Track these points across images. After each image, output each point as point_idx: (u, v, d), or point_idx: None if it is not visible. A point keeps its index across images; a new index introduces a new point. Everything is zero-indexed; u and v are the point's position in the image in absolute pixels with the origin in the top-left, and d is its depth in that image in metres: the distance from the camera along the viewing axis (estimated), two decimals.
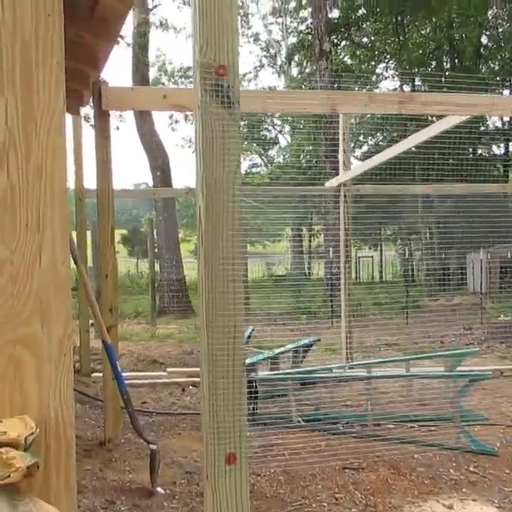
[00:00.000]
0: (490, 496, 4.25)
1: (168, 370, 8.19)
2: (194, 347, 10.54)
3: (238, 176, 1.77)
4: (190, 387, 7.54)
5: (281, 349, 6.93)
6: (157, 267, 17.51)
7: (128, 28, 18.62)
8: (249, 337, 7.66)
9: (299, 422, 5.77)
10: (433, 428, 5.60)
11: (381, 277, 28.41)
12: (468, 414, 5.57)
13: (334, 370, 6.19)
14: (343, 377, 6.06)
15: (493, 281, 18.07)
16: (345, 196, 8.24)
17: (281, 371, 6.27)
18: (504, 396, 6.93)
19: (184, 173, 46.33)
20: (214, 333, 1.73)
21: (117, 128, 27.23)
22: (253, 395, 5.71)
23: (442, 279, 21.46)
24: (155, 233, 17.44)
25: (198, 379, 7.52)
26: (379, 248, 31.89)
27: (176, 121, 35.93)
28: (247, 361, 6.06)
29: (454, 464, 4.83)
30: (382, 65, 27.99)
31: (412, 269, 24.21)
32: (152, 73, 27.38)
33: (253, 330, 8.14)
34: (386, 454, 4.96)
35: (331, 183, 8.69)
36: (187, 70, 30.99)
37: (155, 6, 21.79)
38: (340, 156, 8.09)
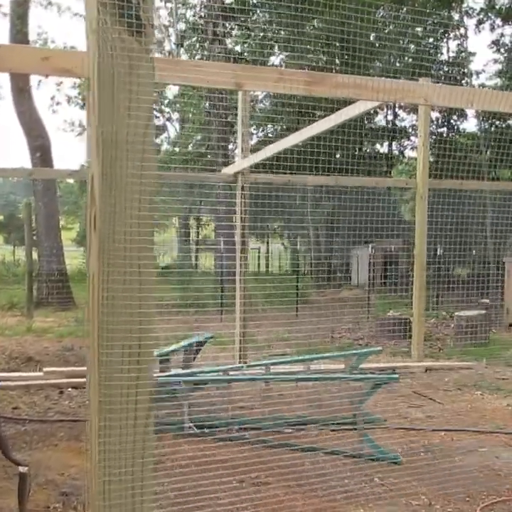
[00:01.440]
0: (398, 511, 3.97)
1: (45, 369, 7.40)
2: (75, 342, 9.75)
3: (151, 132, 1.25)
4: (70, 389, 6.81)
5: (173, 347, 6.38)
6: (35, 256, 16.32)
7: None
8: None
9: (190, 428, 5.28)
10: (334, 433, 5.31)
11: (267, 270, 28.48)
12: (367, 417, 5.32)
13: (230, 373, 5.74)
14: (242, 378, 5.62)
15: (377, 275, 18.42)
16: (243, 186, 7.81)
17: (173, 372, 5.73)
18: (400, 395, 6.81)
19: (67, 157, 44.15)
20: (109, 348, 1.21)
21: None
22: None
23: (328, 272, 21.72)
24: (34, 219, 16.22)
25: (78, 380, 6.83)
26: (266, 240, 31.99)
27: (58, 103, 33.93)
28: None
29: (358, 474, 4.53)
30: (273, 57, 27.92)
31: (298, 263, 24.38)
32: None
33: None
34: (288, 463, 4.58)
35: (228, 170, 8.23)
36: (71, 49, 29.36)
37: None
38: (239, 142, 7.65)
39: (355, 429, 5.08)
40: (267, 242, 31.96)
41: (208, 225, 30.57)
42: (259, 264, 29.47)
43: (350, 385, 5.33)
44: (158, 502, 3.90)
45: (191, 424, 5.25)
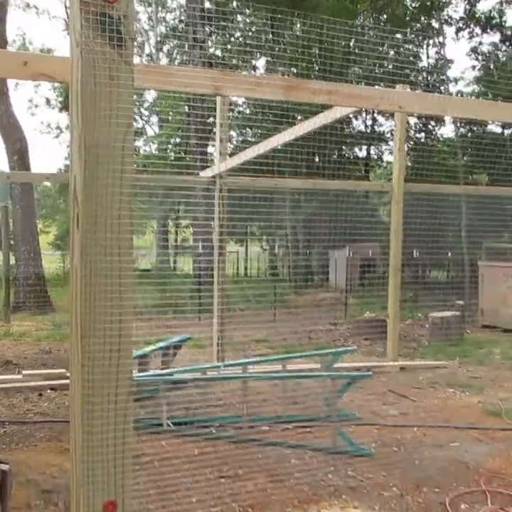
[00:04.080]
0: (370, 502, 4.10)
1: (24, 372, 7.42)
2: (53, 345, 9.77)
3: (130, 138, 1.36)
4: (49, 391, 6.85)
5: (151, 347, 6.47)
6: (12, 260, 16.23)
7: None
8: None
9: (168, 425, 5.38)
10: (309, 429, 5.44)
11: (246, 273, 28.56)
12: (341, 413, 5.46)
13: (208, 372, 5.84)
14: (219, 377, 5.73)
15: (354, 277, 18.62)
16: (221, 189, 7.92)
17: (151, 372, 5.82)
18: (375, 394, 6.95)
19: (44, 161, 43.90)
20: (90, 357, 1.31)
21: None
22: None
23: (306, 275, 21.91)
24: (11, 223, 16.14)
25: (57, 382, 6.88)
26: (245, 243, 32.07)
27: (36, 106, 33.74)
28: None
29: (331, 468, 4.67)
30: (254, 62, 28.06)
31: (276, 266, 24.53)
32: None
33: None
34: (262, 459, 4.70)
35: (206, 173, 8.33)
36: (49, 52, 29.24)
37: None
38: (217, 145, 7.75)
39: (330, 425, 5.21)
40: (246, 246, 32.04)
41: (187, 228, 30.57)
42: (238, 267, 29.54)
43: (326, 383, 5.45)
44: (136, 495, 3.99)
45: (169, 422, 5.34)
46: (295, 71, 23.99)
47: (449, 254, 17.32)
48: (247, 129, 27.47)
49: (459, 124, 24.06)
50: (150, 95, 28.65)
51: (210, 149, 18.65)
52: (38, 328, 12.15)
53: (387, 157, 30.64)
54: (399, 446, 5.22)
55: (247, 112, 26.52)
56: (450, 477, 4.56)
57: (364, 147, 30.34)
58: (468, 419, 6.06)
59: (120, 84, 1.33)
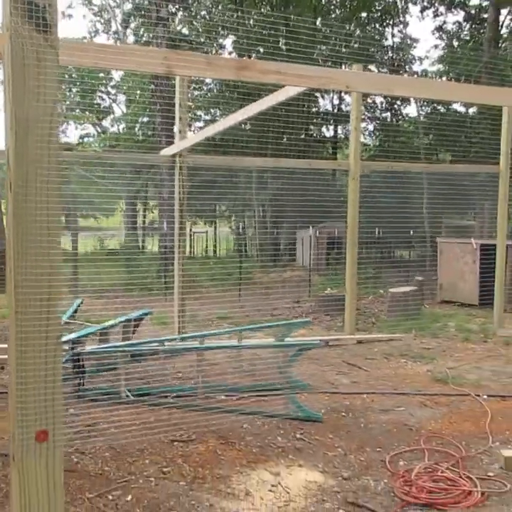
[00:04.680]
0: (315, 461, 4.36)
1: None
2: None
3: (55, 117, 1.53)
4: None
5: (111, 322, 6.64)
6: None
7: None
8: (75, 311, 7.27)
9: (127, 396, 5.57)
10: (264, 398, 5.67)
11: (215, 252, 28.71)
12: (295, 382, 5.72)
13: (166, 343, 6.04)
14: (174, 348, 5.93)
15: (321, 256, 18.92)
16: (180, 167, 8.06)
17: (109, 344, 6.00)
18: (329, 365, 7.23)
19: None
20: (22, 305, 1.49)
21: None
22: (79, 370, 5.41)
23: (274, 254, 22.17)
24: None
25: None
26: (214, 224, 32.15)
27: None
28: (74, 335, 5.72)
29: (281, 432, 4.92)
30: (221, 40, 27.98)
31: (245, 245, 24.74)
32: None
33: (81, 303, 7.74)
34: (216, 424, 4.93)
35: (166, 152, 8.45)
36: None
37: None
38: (177, 124, 7.87)
39: (283, 393, 5.46)
40: (215, 226, 32.14)
41: (156, 208, 30.54)
42: (207, 247, 29.67)
43: (279, 354, 5.68)
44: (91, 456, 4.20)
45: (127, 393, 5.54)
46: (262, 50, 24.04)
47: (411, 232, 17.67)
48: (217, 109, 27.47)
49: (419, 104, 24.37)
50: (117, 73, 28.46)
51: (176, 129, 18.69)
52: (1, 306, 12.17)
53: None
54: (347, 412, 5.50)
55: (215, 91, 26.55)
56: (393, 438, 4.85)
57: (332, 127, 30.57)
58: (416, 386, 6.37)
59: (47, 65, 1.50)
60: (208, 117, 28.53)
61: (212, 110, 28.17)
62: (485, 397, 6.00)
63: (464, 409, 5.66)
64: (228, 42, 28.25)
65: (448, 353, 8.09)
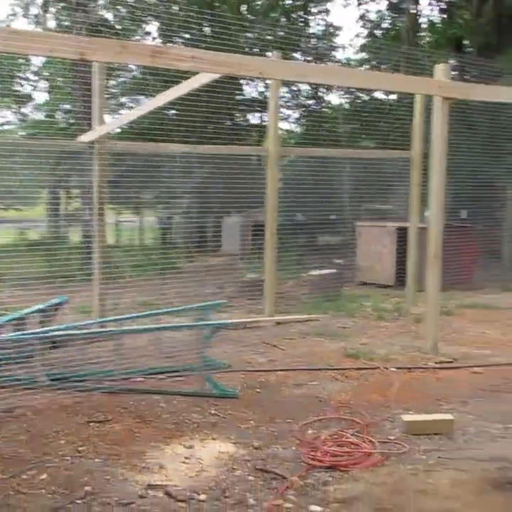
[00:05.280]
0: (228, 434, 4.54)
1: None
2: None
3: None
4: None
5: (28, 310, 6.60)
6: None
7: None
8: None
9: (45, 382, 5.58)
10: (180, 378, 5.81)
11: (141, 242, 28.49)
12: (212, 362, 5.87)
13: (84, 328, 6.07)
14: (91, 333, 5.98)
15: (245, 243, 19.15)
16: (99, 154, 8.03)
17: (25, 331, 5.98)
18: (248, 345, 7.44)
19: None
20: None
21: None
22: None
23: (199, 241, 22.22)
24: None
25: None
26: (140, 213, 31.84)
27: None
28: None
29: (198, 409, 5.08)
30: (145, 26, 27.60)
31: (171, 233, 24.66)
32: None
33: None
34: (132, 405, 5.05)
35: (84, 138, 8.40)
36: None
37: None
38: (95, 110, 7.84)
39: (199, 372, 5.61)
40: (141, 215, 31.84)
41: (78, 197, 29.97)
42: (132, 236, 29.39)
43: (194, 336, 5.82)
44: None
45: (45, 378, 5.55)
46: (188, 37, 23.89)
47: (334, 217, 18.09)
48: (142, 96, 27.14)
49: (339, 91, 24.88)
50: (38, 60, 27.67)
51: (93, 114, 18.38)
52: None
53: (280, 124, 31.16)
54: (262, 388, 5.71)
55: (138, 76, 26.17)
56: (304, 410, 5.08)
57: (258, 115, 30.74)
58: (329, 362, 6.66)
59: None
60: (133, 105, 28.19)
61: (138, 98, 27.82)
62: (393, 369, 6.36)
63: (372, 381, 5.98)
64: (154, 29, 27.92)
65: (362, 331, 8.44)
